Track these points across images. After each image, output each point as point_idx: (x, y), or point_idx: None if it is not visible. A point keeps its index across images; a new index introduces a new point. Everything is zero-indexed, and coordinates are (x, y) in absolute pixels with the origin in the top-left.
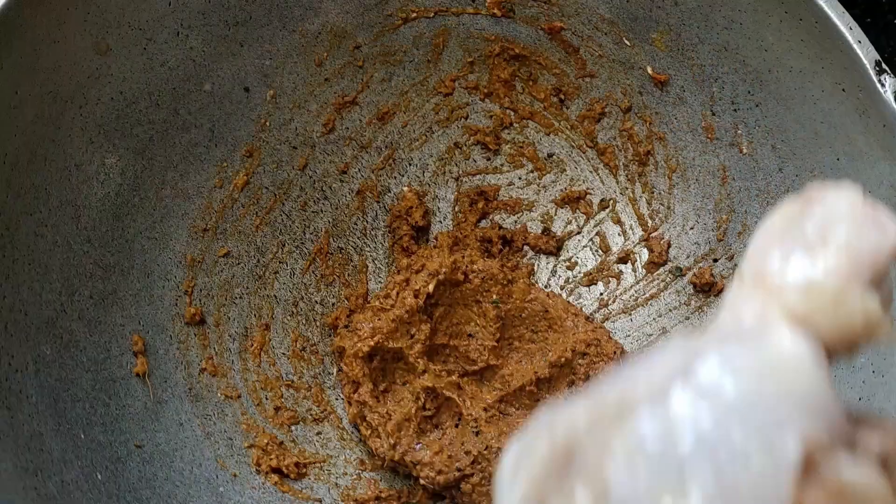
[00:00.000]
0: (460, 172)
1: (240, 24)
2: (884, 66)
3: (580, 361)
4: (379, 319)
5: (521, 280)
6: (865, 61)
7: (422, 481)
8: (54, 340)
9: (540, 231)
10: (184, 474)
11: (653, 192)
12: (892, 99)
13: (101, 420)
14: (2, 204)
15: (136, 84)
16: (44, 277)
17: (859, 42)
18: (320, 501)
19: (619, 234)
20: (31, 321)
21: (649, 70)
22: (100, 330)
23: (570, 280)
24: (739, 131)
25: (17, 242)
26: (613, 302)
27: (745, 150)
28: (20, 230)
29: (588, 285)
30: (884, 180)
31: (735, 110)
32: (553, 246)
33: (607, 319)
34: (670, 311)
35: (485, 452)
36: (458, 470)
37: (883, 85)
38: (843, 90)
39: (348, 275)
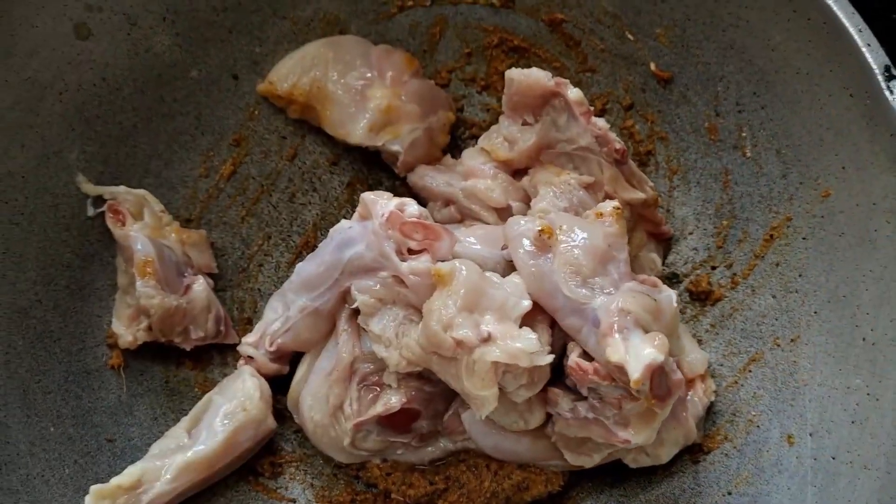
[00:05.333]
0: None
1: (229, 10)
2: (893, 71)
3: None
4: None
5: None
6: (874, 66)
7: (393, 496)
8: (27, 331)
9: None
10: None
11: None
12: None
13: (72, 413)
14: None
15: (119, 70)
16: (18, 266)
17: (868, 45)
18: (294, 501)
19: None
20: (3, 311)
21: (653, 66)
22: (75, 321)
23: None
24: (744, 133)
25: None
26: None
27: (748, 154)
28: None
29: None
30: (889, 192)
31: (740, 111)
32: None
33: None
34: None
35: (461, 466)
36: (431, 483)
37: (892, 91)
38: (851, 95)
39: None
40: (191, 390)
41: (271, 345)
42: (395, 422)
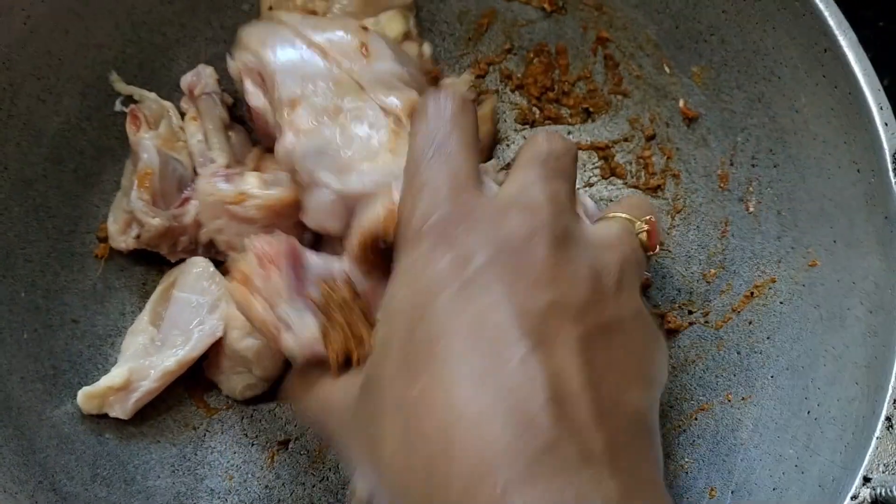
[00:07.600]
0: None
1: None
2: None
3: None
4: None
5: None
6: (886, 146)
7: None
8: (25, 200)
9: None
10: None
11: None
12: None
13: (46, 285)
14: (13, 62)
15: None
16: (34, 140)
17: (885, 124)
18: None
19: None
20: (9, 176)
21: (681, 103)
22: (73, 204)
23: None
24: (751, 188)
25: (17, 101)
26: None
27: (751, 209)
28: (23, 90)
29: None
30: (870, 274)
31: (753, 165)
32: None
33: None
34: None
35: None
36: None
37: None
38: (858, 171)
39: None
40: None
41: None
42: None
